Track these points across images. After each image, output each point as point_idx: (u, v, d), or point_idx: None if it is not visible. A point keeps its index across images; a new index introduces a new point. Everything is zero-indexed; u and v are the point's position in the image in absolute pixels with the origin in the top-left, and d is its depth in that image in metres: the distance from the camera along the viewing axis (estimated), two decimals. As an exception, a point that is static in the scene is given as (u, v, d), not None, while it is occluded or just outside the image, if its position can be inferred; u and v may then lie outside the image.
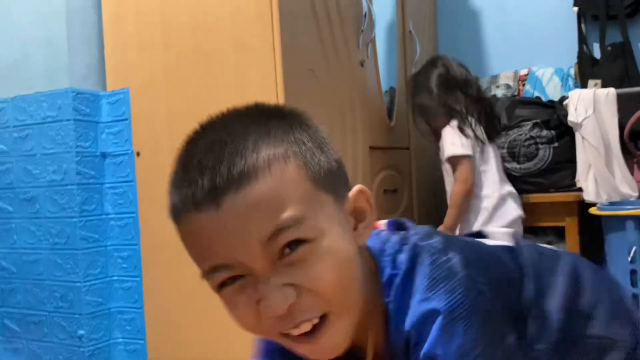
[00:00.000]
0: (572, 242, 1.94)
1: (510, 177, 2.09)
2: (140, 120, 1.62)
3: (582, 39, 2.28)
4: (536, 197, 2.01)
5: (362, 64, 1.79)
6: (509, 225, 1.82)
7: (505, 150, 2.09)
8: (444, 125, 1.87)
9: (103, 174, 1.67)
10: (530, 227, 2.04)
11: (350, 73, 1.72)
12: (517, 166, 2.08)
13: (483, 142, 1.85)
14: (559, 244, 2.07)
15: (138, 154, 1.63)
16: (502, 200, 1.84)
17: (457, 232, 1.83)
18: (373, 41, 1.89)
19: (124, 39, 1.64)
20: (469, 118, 1.84)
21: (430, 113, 1.91)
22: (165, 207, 0.61)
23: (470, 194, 1.82)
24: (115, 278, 1.67)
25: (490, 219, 1.81)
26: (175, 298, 1.57)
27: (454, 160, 1.82)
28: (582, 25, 2.30)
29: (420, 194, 2.23)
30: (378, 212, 1.75)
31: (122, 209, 1.65)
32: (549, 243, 2.20)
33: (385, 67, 2.16)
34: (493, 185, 1.84)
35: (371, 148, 1.85)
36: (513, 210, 1.84)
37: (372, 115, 1.87)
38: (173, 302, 1.58)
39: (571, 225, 1.93)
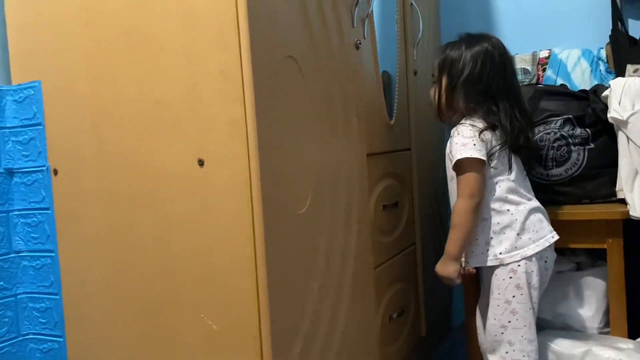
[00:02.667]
0: (615, 265, 1.57)
1: (535, 185, 1.70)
2: (58, 125, 1.19)
3: (617, 14, 1.88)
4: (568, 211, 1.62)
5: (357, 46, 1.37)
6: (540, 255, 1.43)
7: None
8: (460, 118, 1.45)
9: (10, 198, 1.23)
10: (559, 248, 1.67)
11: (343, 59, 1.30)
12: (544, 172, 1.69)
13: (505, 145, 1.42)
14: (594, 268, 1.70)
15: (56, 172, 1.20)
16: (529, 219, 1.43)
17: (462, 261, 1.45)
18: (370, 17, 1.47)
19: (31, 15, 1.19)
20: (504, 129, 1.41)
21: (454, 90, 1.43)
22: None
23: (478, 212, 1.40)
24: (31, 337, 1.24)
25: (514, 244, 1.41)
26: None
27: (461, 166, 1.39)
28: (616, -2, 1.90)
29: (423, 205, 1.84)
30: (377, 233, 1.35)
31: (37, 246, 1.22)
32: (578, 265, 1.85)
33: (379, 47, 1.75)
34: (517, 198, 1.43)
35: (369, 155, 1.44)
36: (546, 231, 1.46)
37: (370, 113, 1.46)
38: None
39: (615, 248, 1.55)
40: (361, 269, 1.35)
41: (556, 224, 1.61)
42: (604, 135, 1.67)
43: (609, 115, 1.60)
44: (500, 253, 1.41)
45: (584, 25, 2.00)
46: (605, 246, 1.57)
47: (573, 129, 1.68)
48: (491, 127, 1.40)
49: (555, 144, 1.68)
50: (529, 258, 1.40)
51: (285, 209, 1.06)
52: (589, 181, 1.67)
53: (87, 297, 1.18)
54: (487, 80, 1.40)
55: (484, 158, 1.38)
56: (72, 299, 1.20)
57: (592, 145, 1.67)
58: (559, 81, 1.95)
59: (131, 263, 1.12)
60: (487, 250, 1.42)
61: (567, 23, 2.03)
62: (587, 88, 1.82)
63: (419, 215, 1.81)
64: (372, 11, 1.45)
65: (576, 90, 1.82)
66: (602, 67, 1.93)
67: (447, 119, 1.51)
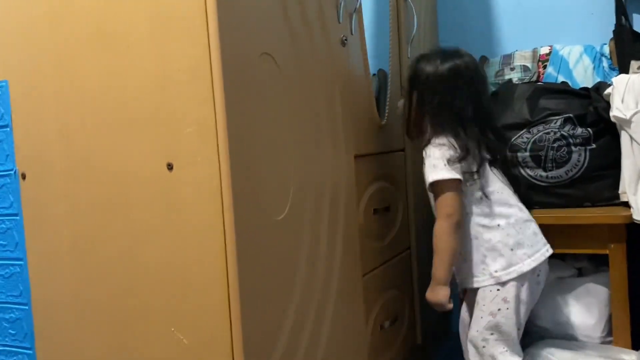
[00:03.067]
0: (618, 271, 1.49)
1: (534, 187, 1.63)
2: (25, 127, 1.13)
3: (621, 8, 1.80)
4: (568, 215, 1.55)
5: (343, 42, 1.30)
6: (534, 269, 1.34)
7: (527, 154, 1.62)
8: (429, 137, 1.35)
9: (-23, 204, 1.18)
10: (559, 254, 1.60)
11: (327, 56, 1.24)
12: (543, 174, 1.62)
13: (482, 159, 1.34)
14: (596, 274, 1.63)
15: (24, 176, 1.14)
16: (522, 233, 1.34)
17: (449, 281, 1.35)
18: (359, 12, 1.41)
19: (-2, 9, 1.14)
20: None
21: (424, 113, 1.35)
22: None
23: (459, 231, 1.32)
24: (0, 349, 1.19)
25: (509, 261, 1.32)
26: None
27: (436, 188, 1.32)
28: (620, -9, 1.83)
29: (419, 208, 1.77)
30: (366, 239, 1.28)
31: (5, 254, 1.17)
32: (580, 271, 1.77)
33: (371, 45, 1.68)
34: (506, 211, 1.34)
35: (357, 157, 1.38)
36: (541, 245, 1.37)
37: (357, 113, 1.39)
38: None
39: (617, 254, 1.48)
40: (348, 277, 1.29)
41: (556, 228, 1.54)
42: (606, 135, 1.59)
43: (611, 114, 1.53)
44: (496, 271, 1.32)
45: (586, 20, 1.92)
46: (607, 252, 1.50)
47: (574, 129, 1.60)
48: (460, 156, 1.30)
49: (555, 145, 1.60)
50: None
51: (260, 216, 1.00)
52: (591, 183, 1.60)
53: (57, 308, 1.12)
54: (457, 106, 1.32)
55: (458, 176, 1.30)
56: (42, 309, 1.15)
57: (593, 146, 1.59)
58: (560, 79, 1.87)
59: (101, 273, 1.06)
60: (483, 269, 1.34)
61: (568, 18, 1.95)
62: (590, 86, 1.75)
63: (414, 219, 1.74)
64: (360, 6, 1.38)
65: (578, 88, 1.74)
66: (605, 63, 1.85)
67: (413, 137, 1.43)
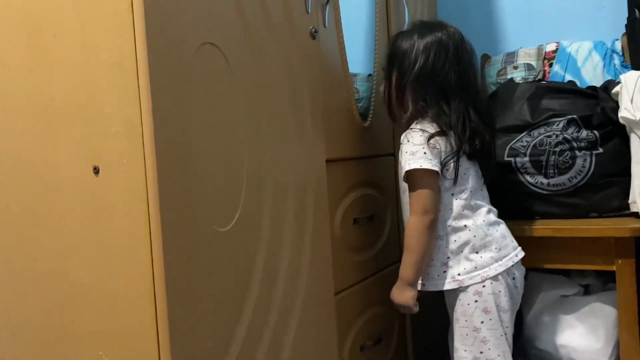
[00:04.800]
0: (626, 290, 1.34)
1: (534, 196, 1.49)
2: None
3: (634, 0, 1.65)
4: (569, 227, 1.40)
5: (312, 35, 1.18)
6: (508, 272, 1.23)
7: (527, 159, 1.48)
8: (410, 119, 1.26)
9: None
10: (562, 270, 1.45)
11: (292, 49, 1.12)
12: (545, 181, 1.47)
13: (459, 154, 1.22)
14: (604, 292, 1.47)
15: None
16: (489, 235, 1.23)
17: (419, 286, 1.26)
18: (335, 3, 1.28)
19: None
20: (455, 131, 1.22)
21: (404, 87, 1.24)
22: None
23: (433, 230, 1.22)
24: None
25: (474, 264, 1.21)
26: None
27: (412, 178, 1.21)
28: (633, -18, 1.67)
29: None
30: (343, 251, 1.13)
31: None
32: (586, 289, 1.61)
33: (361, 44, 1.56)
34: (474, 212, 1.24)
35: (331, 161, 1.25)
36: (510, 249, 1.25)
37: (333, 113, 1.27)
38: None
39: (625, 271, 1.32)
40: (316, 296, 1.16)
41: (557, 241, 1.40)
42: (614, 138, 1.44)
43: (619, 114, 1.38)
44: (459, 274, 1.22)
45: (596, 14, 1.77)
46: (614, 268, 1.34)
47: (578, 131, 1.45)
48: (441, 132, 1.20)
49: (557, 149, 1.45)
50: (494, 277, 1.21)
51: (198, 227, 0.88)
52: (597, 192, 1.44)
53: None
54: (440, 77, 1.21)
55: (437, 168, 1.19)
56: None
57: (600, 150, 1.44)
58: (568, 77, 1.72)
59: (30, 289, 0.96)
60: (444, 272, 1.23)
61: (577, 12, 1.81)
62: (599, 84, 1.60)
63: (404, 228, 1.61)
64: (334, -4, 1.26)
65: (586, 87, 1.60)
66: (616, 60, 1.69)
67: (398, 120, 1.33)
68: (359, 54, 1.57)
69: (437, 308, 1.34)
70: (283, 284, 1.07)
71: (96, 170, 0.86)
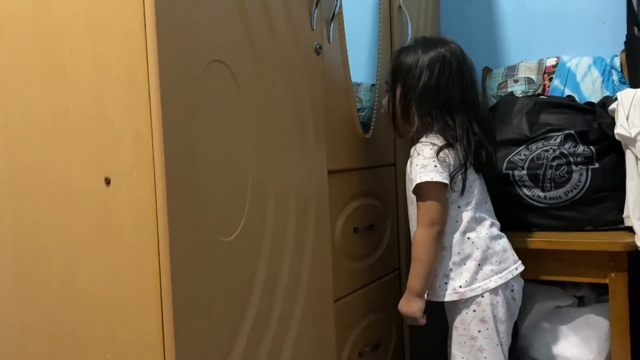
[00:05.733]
0: (618, 303, 1.37)
1: (531, 208, 1.52)
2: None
3: (633, 17, 1.68)
4: (563, 240, 1.43)
5: (317, 51, 1.22)
6: (506, 284, 1.26)
7: (524, 172, 1.51)
8: (416, 133, 1.29)
9: None
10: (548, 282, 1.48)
11: (297, 66, 1.16)
12: (541, 194, 1.51)
13: (467, 165, 1.26)
14: (598, 304, 1.50)
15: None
16: (491, 248, 1.27)
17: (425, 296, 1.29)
18: (339, 19, 1.32)
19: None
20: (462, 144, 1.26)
21: (409, 102, 1.28)
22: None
23: (440, 241, 1.25)
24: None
25: (474, 276, 1.25)
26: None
27: (421, 191, 1.24)
28: None
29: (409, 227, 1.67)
30: (343, 260, 1.18)
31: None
32: (580, 300, 1.64)
33: (365, 54, 1.60)
34: (479, 224, 1.27)
35: (333, 172, 1.29)
36: (511, 262, 1.28)
37: (335, 125, 1.30)
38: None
39: (618, 284, 1.36)
40: (315, 303, 1.20)
41: (552, 253, 1.44)
42: (610, 153, 1.48)
43: (615, 131, 1.42)
44: (460, 286, 1.25)
45: (597, 30, 1.80)
46: (607, 281, 1.38)
47: (575, 146, 1.49)
48: (448, 145, 1.23)
49: (554, 163, 1.49)
50: (493, 290, 1.24)
51: (204, 237, 0.92)
52: (593, 206, 1.48)
53: (1, 325, 1.06)
54: (444, 92, 1.25)
55: (446, 181, 1.22)
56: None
57: (596, 165, 1.48)
58: (567, 92, 1.76)
59: (40, 293, 1.00)
60: (446, 283, 1.26)
61: (577, 28, 1.84)
62: (597, 100, 1.63)
63: (404, 237, 1.64)
64: (338, 12, 1.30)
65: (584, 102, 1.63)
66: (615, 76, 1.73)
67: (403, 134, 1.36)
68: (363, 64, 1.61)
69: (435, 315, 1.37)
70: (284, 291, 1.10)
71: (107, 182, 0.90)
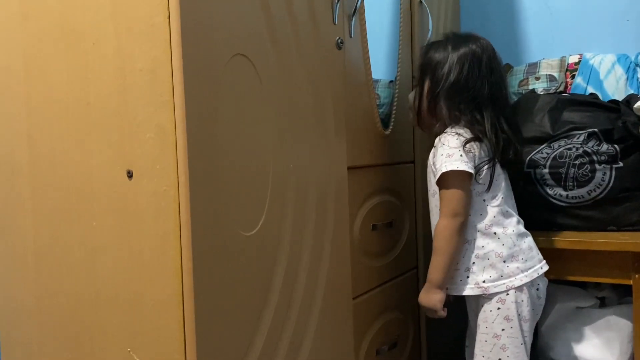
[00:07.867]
0: (640, 306, 1.35)
1: (553, 207, 1.50)
2: (-5, 127, 1.08)
3: (659, 15, 1.66)
4: (587, 240, 1.40)
5: (338, 45, 1.21)
6: (532, 283, 1.25)
7: (546, 170, 1.49)
8: (442, 127, 1.28)
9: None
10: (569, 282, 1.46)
11: (318, 61, 1.15)
12: (563, 193, 1.48)
13: (493, 160, 1.25)
14: (620, 306, 1.48)
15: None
16: (517, 245, 1.25)
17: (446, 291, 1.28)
18: (360, 14, 1.31)
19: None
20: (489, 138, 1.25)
21: (437, 96, 1.27)
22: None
23: (463, 233, 1.23)
24: (-34, 358, 1.14)
25: (500, 273, 1.23)
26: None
27: (446, 180, 1.22)
28: (658, -4, 1.68)
29: (428, 224, 1.65)
30: (362, 257, 1.17)
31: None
32: (602, 301, 1.62)
33: (384, 51, 1.58)
34: (506, 220, 1.26)
35: (353, 168, 1.28)
36: (536, 261, 1.27)
37: (355, 122, 1.29)
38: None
39: (641, 285, 1.33)
40: (334, 299, 1.19)
41: (574, 253, 1.41)
42: (635, 152, 1.45)
43: (640, 129, 1.39)
44: (484, 281, 1.23)
45: (621, 26, 1.77)
46: (631, 282, 1.35)
47: (599, 145, 1.46)
48: (476, 138, 1.22)
49: (577, 162, 1.46)
50: (518, 288, 1.23)
51: (225, 231, 0.91)
52: (616, 205, 1.45)
53: (20, 317, 1.07)
54: (474, 87, 1.23)
55: (472, 171, 1.21)
56: (7, 315, 1.09)
57: (620, 164, 1.45)
58: (590, 90, 1.73)
59: (61, 285, 1.00)
60: (467, 277, 1.25)
61: (601, 24, 1.81)
62: (621, 98, 1.60)
63: (422, 235, 1.63)
64: (360, 7, 1.29)
65: (607, 100, 1.60)
66: None
67: (427, 127, 1.36)
68: (382, 60, 1.60)
69: (452, 313, 1.35)
70: (302, 287, 1.10)
71: (130, 175, 0.90)
